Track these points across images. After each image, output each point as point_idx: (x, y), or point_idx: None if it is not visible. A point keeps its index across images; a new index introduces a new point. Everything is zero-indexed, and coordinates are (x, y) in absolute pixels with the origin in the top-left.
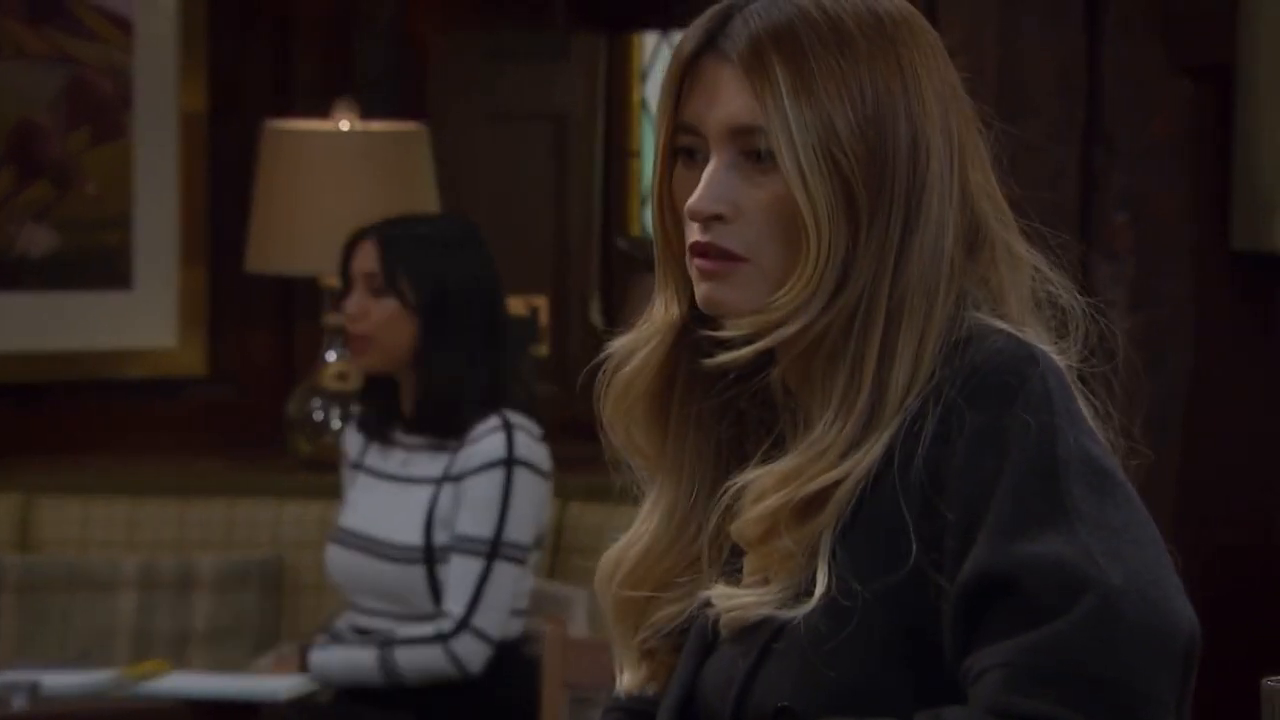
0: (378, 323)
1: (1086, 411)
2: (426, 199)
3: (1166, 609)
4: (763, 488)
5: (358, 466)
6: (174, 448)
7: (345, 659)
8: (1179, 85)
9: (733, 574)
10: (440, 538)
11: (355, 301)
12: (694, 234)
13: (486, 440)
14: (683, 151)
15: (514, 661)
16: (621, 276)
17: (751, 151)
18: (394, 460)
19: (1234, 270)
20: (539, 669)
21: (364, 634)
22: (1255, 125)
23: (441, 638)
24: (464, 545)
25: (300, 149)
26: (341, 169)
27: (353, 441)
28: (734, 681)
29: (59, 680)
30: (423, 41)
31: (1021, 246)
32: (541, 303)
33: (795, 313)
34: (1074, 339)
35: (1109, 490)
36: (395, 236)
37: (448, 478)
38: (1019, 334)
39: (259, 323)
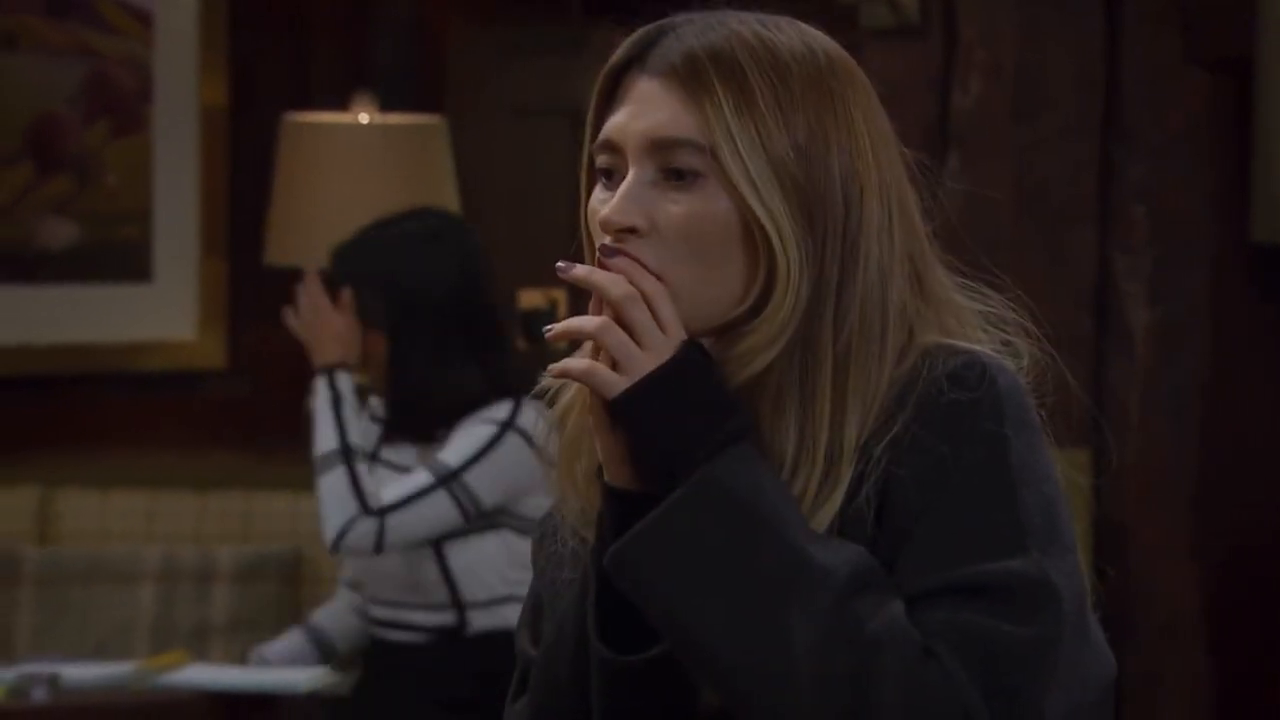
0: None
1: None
2: (444, 192)
3: (1104, 649)
4: None
5: (374, 459)
6: (193, 440)
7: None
8: (1197, 78)
9: None
10: None
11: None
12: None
13: (496, 407)
14: (601, 174)
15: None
16: None
17: (670, 169)
18: (408, 453)
19: (1253, 262)
20: None
21: (383, 626)
22: (1274, 117)
23: (361, 513)
24: (429, 463)
25: (319, 142)
26: (360, 162)
27: (367, 434)
28: None
29: (79, 672)
30: (440, 35)
31: (960, 293)
32: (559, 295)
33: (771, 340)
34: (1023, 369)
35: (1054, 501)
36: (341, 257)
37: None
38: (969, 347)
39: (278, 316)
